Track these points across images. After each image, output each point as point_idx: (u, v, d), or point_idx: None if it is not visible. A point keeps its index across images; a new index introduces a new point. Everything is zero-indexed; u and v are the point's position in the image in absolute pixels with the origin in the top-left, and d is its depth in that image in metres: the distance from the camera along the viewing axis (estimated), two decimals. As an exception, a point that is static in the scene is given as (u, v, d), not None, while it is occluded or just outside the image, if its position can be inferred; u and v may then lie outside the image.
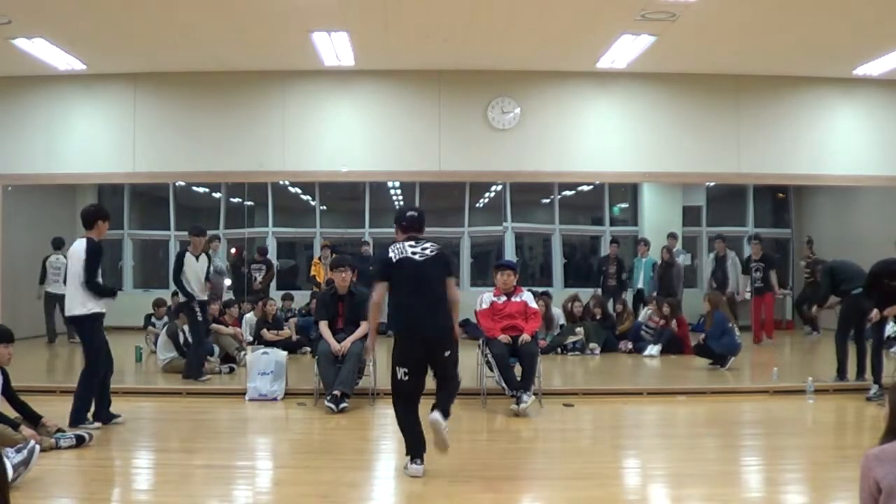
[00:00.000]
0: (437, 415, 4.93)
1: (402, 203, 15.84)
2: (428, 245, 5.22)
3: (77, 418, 6.20)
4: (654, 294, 12.22)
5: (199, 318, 8.60)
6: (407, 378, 4.99)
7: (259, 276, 12.97)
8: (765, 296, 11.90)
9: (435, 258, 5.17)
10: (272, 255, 14.31)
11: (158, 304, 11.43)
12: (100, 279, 6.42)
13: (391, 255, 5.17)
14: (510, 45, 8.11)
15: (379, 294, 5.22)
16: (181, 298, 8.84)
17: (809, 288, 12.55)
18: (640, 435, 6.74)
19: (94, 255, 6.33)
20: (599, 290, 12.72)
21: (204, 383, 8.37)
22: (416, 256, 5.13)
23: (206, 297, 8.75)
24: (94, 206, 6.83)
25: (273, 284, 13.51)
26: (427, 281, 5.09)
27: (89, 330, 6.35)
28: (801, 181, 10.22)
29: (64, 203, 13.08)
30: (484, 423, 6.92)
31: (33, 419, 5.65)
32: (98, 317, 6.35)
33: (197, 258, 8.62)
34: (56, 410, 6.08)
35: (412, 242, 5.20)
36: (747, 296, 12.26)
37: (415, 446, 5.01)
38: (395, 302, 5.16)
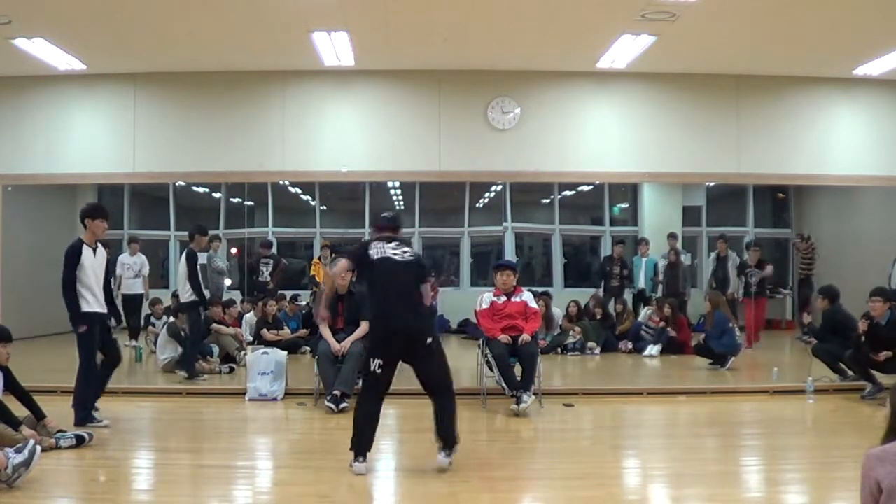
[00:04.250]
0: (442, 458, 5.06)
1: (402, 203, 15.87)
2: (408, 249, 5.40)
3: (83, 417, 6.21)
4: (658, 295, 12.21)
5: (202, 320, 8.65)
6: (381, 370, 5.08)
7: (266, 271, 12.69)
8: (761, 300, 11.83)
9: (414, 263, 5.34)
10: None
11: (154, 302, 11.40)
12: (84, 284, 6.23)
13: (371, 252, 5.28)
14: (510, 45, 8.11)
15: (341, 268, 5.56)
16: (186, 298, 8.76)
17: (807, 286, 12.48)
18: (640, 435, 6.74)
19: (68, 255, 6.25)
20: (601, 291, 12.71)
21: (198, 383, 8.36)
22: (397, 257, 5.27)
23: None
24: (86, 205, 6.70)
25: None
26: (405, 281, 5.23)
27: (80, 327, 6.33)
28: (801, 181, 10.23)
29: (64, 203, 13.07)
30: (484, 423, 6.92)
31: (38, 416, 5.68)
32: (90, 316, 6.29)
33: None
34: (56, 410, 6.07)
35: (393, 244, 5.32)
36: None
37: (362, 444, 5.07)
38: (375, 298, 5.29)
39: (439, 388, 5.17)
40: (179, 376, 8.54)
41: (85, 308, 6.25)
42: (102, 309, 6.40)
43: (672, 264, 12.47)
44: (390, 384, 5.21)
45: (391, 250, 5.27)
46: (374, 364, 5.08)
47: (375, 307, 5.29)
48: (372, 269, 5.24)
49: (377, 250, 5.27)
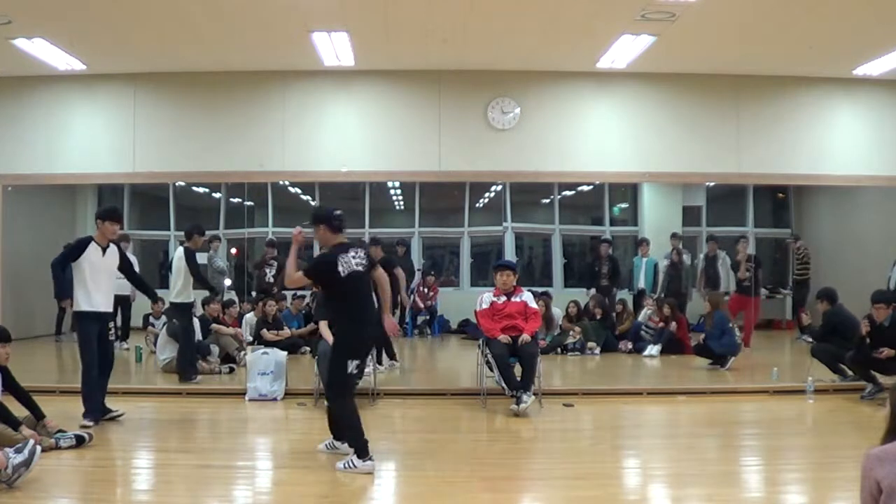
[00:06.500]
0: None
1: (402, 203, 15.86)
2: (360, 251, 5.48)
3: (89, 412, 6.27)
4: (662, 295, 12.19)
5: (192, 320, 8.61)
6: (357, 370, 5.43)
7: (270, 272, 12.63)
8: (751, 298, 11.71)
9: (367, 264, 5.46)
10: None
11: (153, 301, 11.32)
12: (87, 277, 6.34)
13: (340, 269, 5.26)
14: (510, 45, 8.11)
15: (296, 281, 5.51)
16: (174, 298, 8.71)
17: (805, 287, 12.47)
18: (640, 435, 6.74)
19: (72, 245, 6.41)
20: (593, 290, 12.67)
21: (192, 384, 8.33)
22: (360, 268, 5.37)
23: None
24: (101, 207, 6.87)
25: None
26: (369, 286, 5.47)
27: (78, 326, 6.44)
28: (801, 181, 10.21)
29: (64, 203, 13.06)
30: (484, 423, 6.92)
31: (38, 416, 5.69)
32: (84, 315, 6.33)
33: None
34: (55, 410, 6.07)
35: (352, 253, 5.36)
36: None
37: (365, 442, 5.15)
38: (351, 309, 5.33)
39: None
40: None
41: (79, 306, 6.30)
42: (101, 308, 6.41)
43: (674, 264, 12.47)
44: None
45: (355, 261, 5.32)
46: (352, 365, 5.29)
47: (354, 317, 5.34)
48: (346, 284, 5.28)
49: (345, 266, 5.25)
